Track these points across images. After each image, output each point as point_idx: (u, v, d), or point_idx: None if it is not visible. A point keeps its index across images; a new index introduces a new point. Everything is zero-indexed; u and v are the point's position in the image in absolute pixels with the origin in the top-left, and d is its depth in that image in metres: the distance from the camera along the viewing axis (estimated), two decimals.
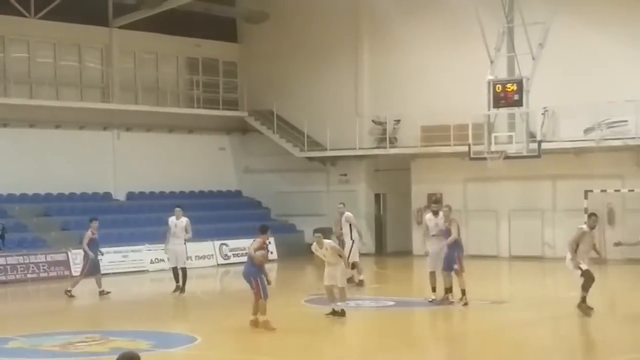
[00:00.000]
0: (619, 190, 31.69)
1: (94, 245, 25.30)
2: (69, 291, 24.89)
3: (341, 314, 19.73)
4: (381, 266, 34.37)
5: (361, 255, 26.85)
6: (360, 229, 26.51)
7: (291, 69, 38.98)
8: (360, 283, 25.39)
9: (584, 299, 19.52)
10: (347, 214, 25.67)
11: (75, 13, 34.80)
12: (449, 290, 21.45)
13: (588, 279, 19.49)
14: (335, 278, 19.80)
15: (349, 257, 23.61)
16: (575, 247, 19.63)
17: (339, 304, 19.85)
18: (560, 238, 24.50)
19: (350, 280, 24.87)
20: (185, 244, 25.82)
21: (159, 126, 37.64)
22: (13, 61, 34.17)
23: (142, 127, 37.20)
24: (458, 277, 21.38)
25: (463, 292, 21.26)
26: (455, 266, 21.27)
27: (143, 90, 37.51)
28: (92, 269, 25.22)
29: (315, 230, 20.42)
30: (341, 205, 26.23)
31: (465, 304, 21.18)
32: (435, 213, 21.80)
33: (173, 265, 25.74)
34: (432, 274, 21.85)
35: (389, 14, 36.38)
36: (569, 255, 19.69)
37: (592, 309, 19.47)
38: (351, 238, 25.28)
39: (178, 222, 25.43)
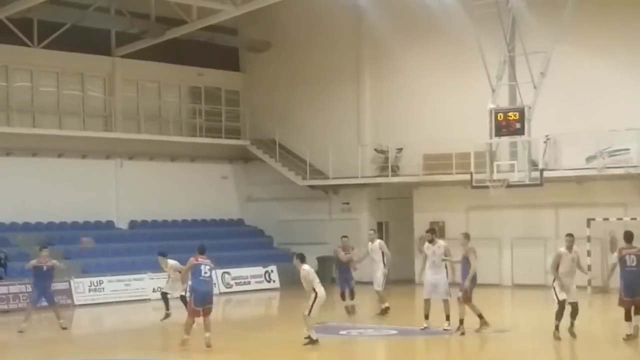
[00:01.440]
0: (621, 219, 31.58)
1: (41, 275, 23.59)
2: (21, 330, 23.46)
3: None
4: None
5: (361, 283, 26.91)
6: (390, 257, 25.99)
7: (293, 98, 39.10)
8: (385, 311, 25.32)
9: (556, 327, 20.29)
10: (379, 241, 25.68)
11: (78, 42, 34.96)
12: (481, 317, 21.65)
13: (560, 309, 20.30)
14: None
15: (382, 284, 25.23)
16: (555, 270, 20.34)
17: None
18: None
19: (351, 309, 24.92)
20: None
21: (161, 155, 37.71)
22: (16, 90, 34.28)
23: (145, 156, 37.27)
24: (460, 305, 21.38)
25: (461, 321, 21.39)
26: (463, 295, 21.31)
27: (146, 119, 37.61)
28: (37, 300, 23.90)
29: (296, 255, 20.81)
30: (372, 232, 26.45)
31: (462, 333, 21.26)
32: (431, 241, 22.04)
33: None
34: (427, 302, 22.08)
35: (391, 43, 36.46)
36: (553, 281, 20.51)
37: (559, 339, 20.13)
38: (384, 265, 25.31)
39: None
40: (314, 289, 19.93)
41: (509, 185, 30.73)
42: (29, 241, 32.63)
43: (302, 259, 20.51)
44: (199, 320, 19.69)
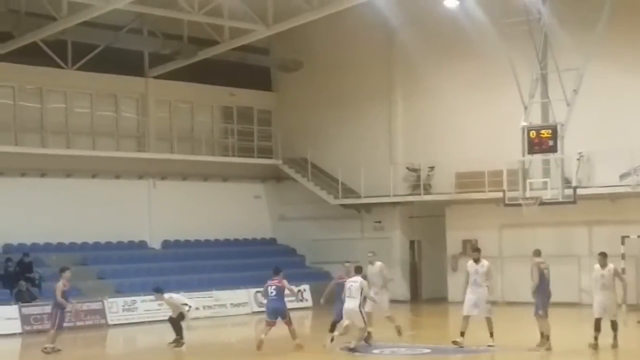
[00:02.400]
0: None
1: (66, 297, 23.92)
2: (48, 348, 23.51)
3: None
4: (416, 313, 34.23)
5: (396, 302, 26.77)
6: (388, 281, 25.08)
7: (325, 117, 39.17)
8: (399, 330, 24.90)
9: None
10: (380, 263, 24.02)
11: (111, 64, 35.23)
12: (543, 335, 21.74)
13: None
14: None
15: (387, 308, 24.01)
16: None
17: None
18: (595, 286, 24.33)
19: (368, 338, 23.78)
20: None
21: (194, 175, 37.87)
22: (50, 112, 34.55)
23: (178, 176, 37.44)
24: (540, 322, 21.59)
25: (547, 337, 21.53)
26: (540, 311, 21.53)
27: (178, 139, 37.79)
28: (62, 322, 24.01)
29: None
30: (371, 254, 24.50)
31: (548, 349, 21.42)
32: (476, 260, 22.19)
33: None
34: (466, 318, 22.10)
35: (422, 62, 36.51)
36: None
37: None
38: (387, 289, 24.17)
39: None
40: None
41: (542, 203, 30.64)
42: (63, 261, 32.78)
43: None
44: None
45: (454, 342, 22.02)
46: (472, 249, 23.35)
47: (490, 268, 22.26)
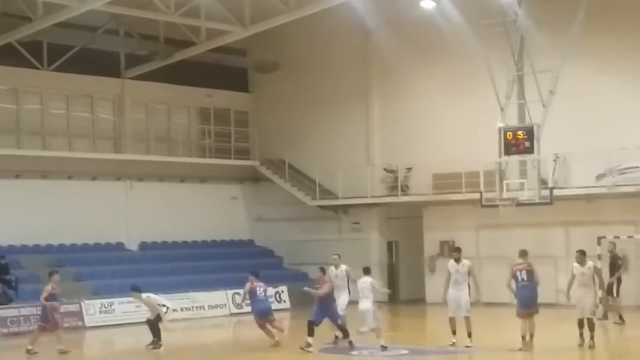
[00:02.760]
0: (632, 237, 31.55)
1: (52, 300, 23.79)
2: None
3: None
4: (394, 314, 34.23)
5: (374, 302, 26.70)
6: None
7: (302, 118, 39.17)
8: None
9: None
10: (345, 266, 23.85)
11: (87, 65, 35.11)
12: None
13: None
14: None
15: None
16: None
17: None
18: (573, 285, 24.44)
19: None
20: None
21: (171, 176, 37.78)
22: (26, 113, 34.41)
23: (155, 177, 37.34)
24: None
25: (531, 336, 21.88)
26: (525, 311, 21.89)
27: (155, 141, 37.71)
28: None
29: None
30: (336, 257, 24.35)
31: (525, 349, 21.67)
32: (457, 260, 22.36)
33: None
34: (452, 319, 22.38)
35: (399, 63, 36.58)
36: None
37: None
38: (349, 292, 23.74)
39: None
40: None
41: (519, 204, 30.74)
42: (39, 263, 32.69)
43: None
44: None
45: (452, 345, 22.30)
46: (452, 249, 23.49)
47: (471, 267, 22.49)
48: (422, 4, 33.31)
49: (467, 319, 22.25)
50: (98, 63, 35.74)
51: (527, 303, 21.71)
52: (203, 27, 35.40)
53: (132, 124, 37.04)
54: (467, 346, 22.02)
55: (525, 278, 21.62)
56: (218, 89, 39.68)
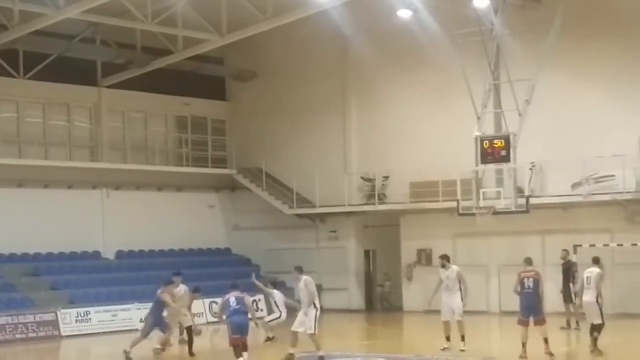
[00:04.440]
0: (607, 245, 31.71)
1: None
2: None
3: None
4: (371, 322, 34.29)
5: (351, 311, 26.81)
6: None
7: (279, 127, 39.17)
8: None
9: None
10: (306, 277, 22.18)
11: (64, 73, 34.97)
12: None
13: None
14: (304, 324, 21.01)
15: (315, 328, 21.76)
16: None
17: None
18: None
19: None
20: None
21: (148, 184, 37.69)
22: (2, 121, 34.28)
23: (131, 186, 37.24)
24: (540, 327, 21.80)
25: (545, 340, 21.71)
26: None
27: (132, 149, 37.63)
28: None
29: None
30: (296, 270, 22.82)
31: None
32: (444, 266, 23.05)
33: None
34: (446, 323, 22.95)
35: (376, 72, 36.69)
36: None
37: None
38: (315, 306, 21.89)
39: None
40: (314, 303, 21.07)
41: (495, 212, 30.80)
42: (15, 272, 32.57)
43: (301, 270, 21.82)
44: None
45: (444, 349, 22.70)
46: (440, 256, 23.80)
47: (460, 272, 23.07)
48: (399, 13, 33.35)
49: (459, 322, 22.79)
50: (74, 71, 35.61)
51: (529, 311, 21.56)
52: (180, 36, 35.36)
53: (108, 132, 36.94)
54: (461, 350, 22.47)
55: (531, 285, 21.60)
56: (195, 98, 39.64)
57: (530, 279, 21.61)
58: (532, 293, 21.55)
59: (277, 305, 26.61)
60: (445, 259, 23.41)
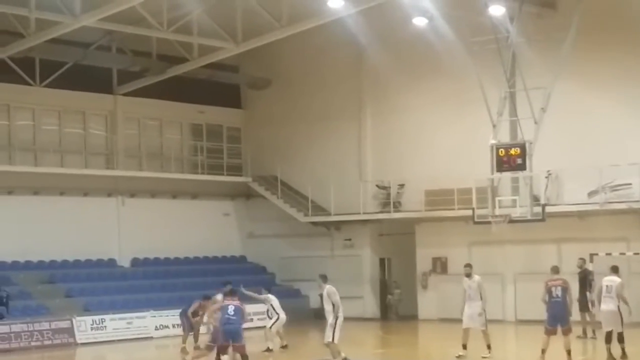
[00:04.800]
0: (624, 254, 31.56)
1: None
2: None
3: None
4: (386, 331, 34.21)
5: (366, 320, 26.74)
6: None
7: (295, 135, 39.17)
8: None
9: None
10: (478, 277, 23.73)
11: (80, 81, 35.07)
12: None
13: None
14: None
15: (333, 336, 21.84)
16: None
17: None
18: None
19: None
20: None
21: (163, 192, 37.73)
22: (18, 129, 34.35)
23: (147, 193, 37.29)
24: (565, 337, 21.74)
25: (568, 353, 21.64)
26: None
27: (147, 157, 37.68)
28: None
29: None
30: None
31: None
32: (468, 275, 23.42)
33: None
34: (465, 331, 23.23)
35: (392, 80, 36.64)
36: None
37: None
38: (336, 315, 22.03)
39: None
40: (336, 312, 21.38)
41: (511, 221, 30.73)
42: (30, 280, 32.64)
43: (325, 279, 22.17)
44: None
45: (458, 357, 22.89)
46: (466, 265, 24.17)
47: (480, 282, 23.33)
48: (414, 21, 33.35)
49: (483, 332, 23.15)
50: (90, 79, 35.70)
51: (557, 320, 21.45)
52: (195, 44, 35.40)
53: (124, 140, 37.00)
54: (483, 357, 22.77)
55: (559, 294, 21.48)
56: (210, 105, 39.68)
57: (559, 288, 21.47)
58: (560, 302, 21.43)
59: (274, 309, 26.70)
60: (470, 267, 23.81)
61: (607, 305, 21.95)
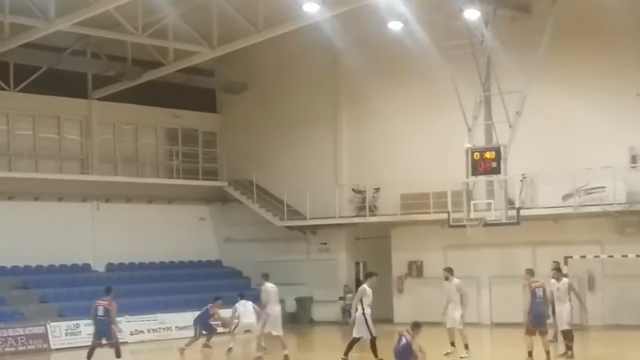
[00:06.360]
0: (598, 256, 31.77)
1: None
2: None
3: None
4: None
5: (342, 324, 26.68)
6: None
7: (270, 139, 39.16)
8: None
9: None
10: (457, 280, 24.90)
11: (54, 85, 34.95)
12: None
13: None
14: None
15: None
16: None
17: None
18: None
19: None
20: None
21: (138, 197, 37.62)
22: None
23: (122, 198, 37.17)
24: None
25: (548, 352, 22.02)
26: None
27: (122, 161, 37.56)
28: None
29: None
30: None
31: None
32: (447, 279, 24.45)
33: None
34: (450, 330, 24.30)
35: (367, 84, 36.70)
36: None
37: None
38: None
39: None
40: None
41: (486, 224, 30.86)
42: (4, 285, 32.44)
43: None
44: None
45: (446, 355, 23.80)
46: (443, 269, 25.06)
47: (459, 285, 24.22)
48: (389, 25, 33.45)
49: (460, 331, 23.97)
50: (65, 84, 35.59)
51: (542, 320, 21.99)
52: (171, 48, 35.34)
53: (99, 144, 36.88)
54: (461, 357, 23.41)
55: (541, 295, 22.05)
56: (186, 110, 39.63)
57: (541, 289, 22.02)
58: (543, 302, 22.04)
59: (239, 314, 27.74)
60: (449, 272, 24.57)
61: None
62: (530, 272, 22.68)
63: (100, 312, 23.03)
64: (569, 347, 23.10)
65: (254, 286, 38.32)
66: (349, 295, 36.88)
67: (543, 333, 21.81)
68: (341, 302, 37.51)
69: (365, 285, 23.12)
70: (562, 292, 23.18)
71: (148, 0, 31.28)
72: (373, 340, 22.44)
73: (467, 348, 23.99)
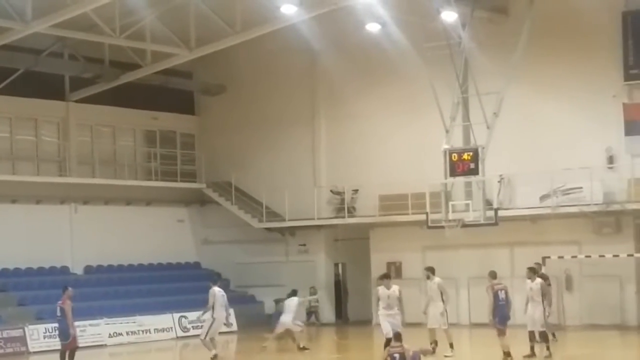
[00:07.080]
0: (575, 257, 31.93)
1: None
2: None
3: None
4: (341, 336, 34.26)
5: (323, 325, 26.77)
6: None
7: (248, 141, 39.14)
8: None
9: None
10: (438, 279, 25.21)
11: (31, 87, 34.79)
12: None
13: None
14: None
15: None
16: None
17: None
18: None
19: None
20: None
21: (116, 199, 37.52)
22: None
23: (100, 201, 37.05)
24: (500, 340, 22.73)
25: (508, 353, 22.58)
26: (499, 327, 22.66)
27: (100, 164, 37.45)
28: None
29: None
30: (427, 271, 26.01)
31: None
32: (428, 277, 24.85)
33: None
34: (431, 330, 24.70)
35: (345, 85, 36.77)
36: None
37: None
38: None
39: None
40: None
41: (465, 225, 30.94)
42: None
43: (432, 271, 25.01)
44: None
45: (446, 357, 24.09)
46: (424, 268, 25.50)
47: (440, 283, 24.59)
48: (367, 26, 33.52)
49: (445, 331, 24.32)
50: (42, 86, 35.44)
51: (506, 320, 22.53)
52: (148, 50, 35.27)
53: (77, 147, 36.75)
54: (445, 356, 23.67)
55: (505, 297, 22.62)
56: (164, 112, 39.54)
57: (503, 291, 22.60)
58: (505, 305, 22.55)
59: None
60: (430, 271, 24.89)
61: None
62: (493, 275, 23.14)
63: (58, 312, 22.70)
64: (547, 348, 23.26)
65: (233, 288, 38.42)
66: (313, 297, 36.85)
67: (502, 333, 22.36)
68: (307, 303, 37.48)
69: (380, 287, 23.58)
70: (534, 292, 23.35)
71: (125, 2, 31.23)
72: (387, 342, 22.40)
73: (452, 347, 24.26)
